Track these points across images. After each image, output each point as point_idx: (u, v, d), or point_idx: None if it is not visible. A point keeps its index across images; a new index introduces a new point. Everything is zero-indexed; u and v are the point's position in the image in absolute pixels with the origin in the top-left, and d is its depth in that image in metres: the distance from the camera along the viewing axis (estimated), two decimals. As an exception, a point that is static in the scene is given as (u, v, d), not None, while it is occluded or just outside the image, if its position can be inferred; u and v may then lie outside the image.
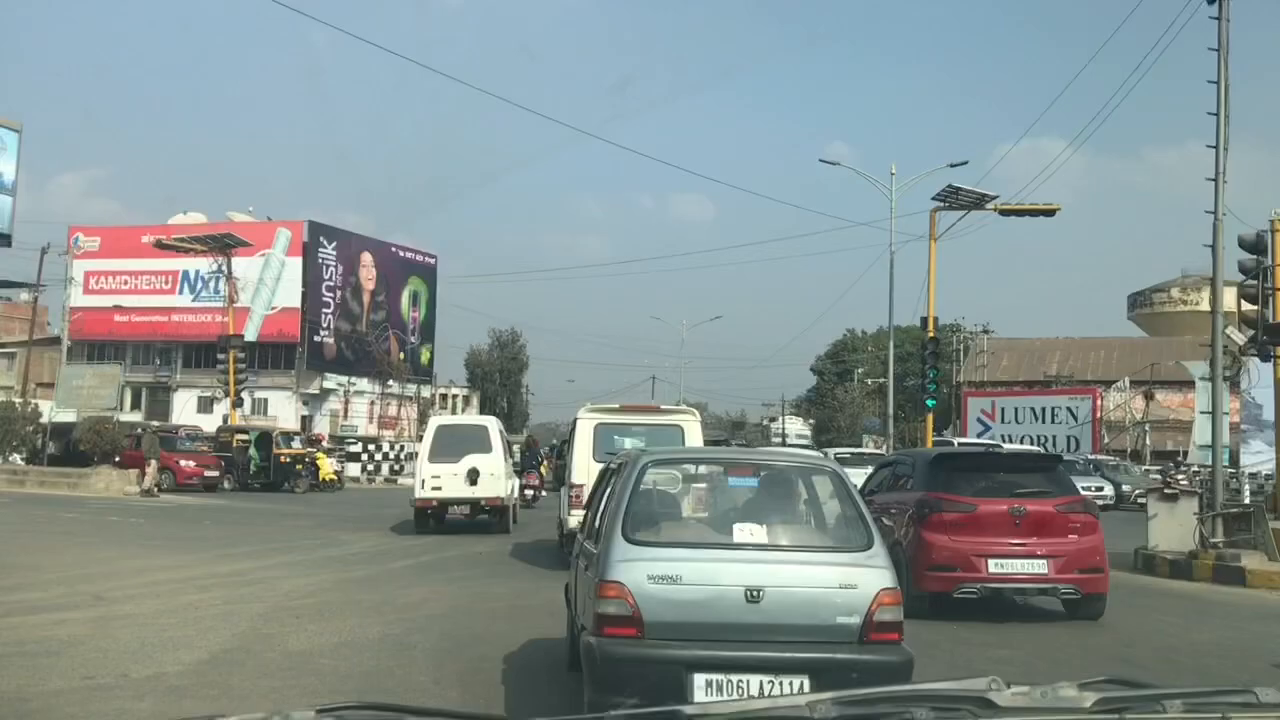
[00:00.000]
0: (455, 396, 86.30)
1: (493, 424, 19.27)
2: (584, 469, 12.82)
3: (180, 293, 62.42)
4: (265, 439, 29.23)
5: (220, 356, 34.28)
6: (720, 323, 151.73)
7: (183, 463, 26.97)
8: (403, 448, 39.77)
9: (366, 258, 65.13)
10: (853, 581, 5.13)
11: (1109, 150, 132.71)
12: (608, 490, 6.17)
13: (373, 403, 65.52)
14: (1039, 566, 10.05)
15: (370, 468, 37.54)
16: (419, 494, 18.20)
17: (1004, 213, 24.67)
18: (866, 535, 5.37)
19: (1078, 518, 10.40)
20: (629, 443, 12.18)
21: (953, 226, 25.63)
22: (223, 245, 34.45)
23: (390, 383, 65.14)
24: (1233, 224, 14.91)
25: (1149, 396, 47.96)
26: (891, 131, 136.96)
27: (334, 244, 62.33)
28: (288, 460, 28.32)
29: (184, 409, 60.73)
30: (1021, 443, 42.14)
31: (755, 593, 5.02)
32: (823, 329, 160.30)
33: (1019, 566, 10.09)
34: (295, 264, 61.00)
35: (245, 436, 29.39)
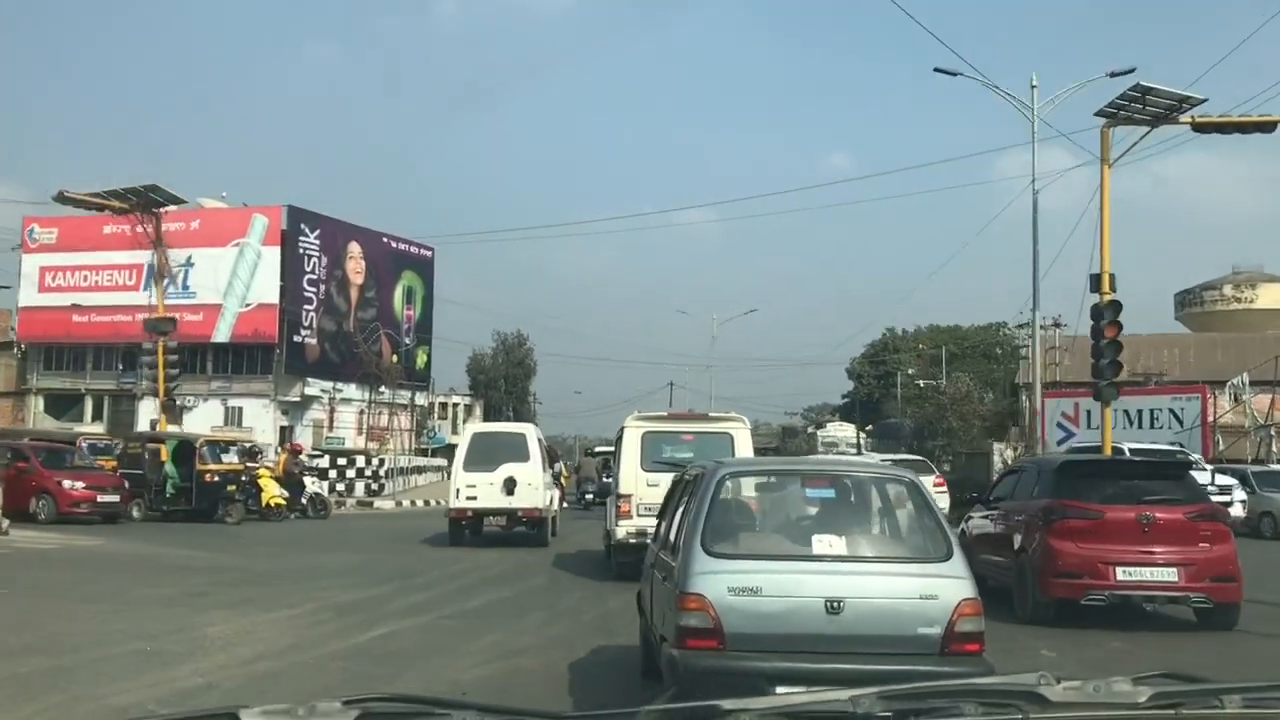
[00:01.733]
0: (456, 405, 79.42)
1: (531, 431, 18.73)
2: (632, 478, 12.85)
3: (145, 288, 55.16)
4: (185, 450, 21.57)
5: (147, 347, 27.16)
6: (748, 325, 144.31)
7: (67, 484, 19.80)
8: (382, 462, 32.58)
9: (354, 248, 58.15)
10: (933, 592, 5.14)
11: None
12: (683, 501, 6.22)
13: (362, 411, 58.41)
14: (1169, 574, 10.14)
15: (341, 488, 30.36)
16: (453, 504, 17.88)
17: (1201, 128, 17.47)
18: (946, 545, 5.40)
19: (1208, 526, 10.44)
20: (673, 451, 12.66)
21: (1136, 145, 18.39)
22: (146, 202, 27.27)
23: (382, 389, 58.07)
24: None
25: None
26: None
27: (317, 231, 55.38)
28: (214, 480, 21.19)
29: (150, 419, 53.67)
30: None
31: (835, 604, 5.06)
32: (858, 327, 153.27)
33: (1148, 574, 10.16)
34: (273, 255, 54.07)
35: (158, 446, 21.88)
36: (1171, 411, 43.05)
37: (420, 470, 42.79)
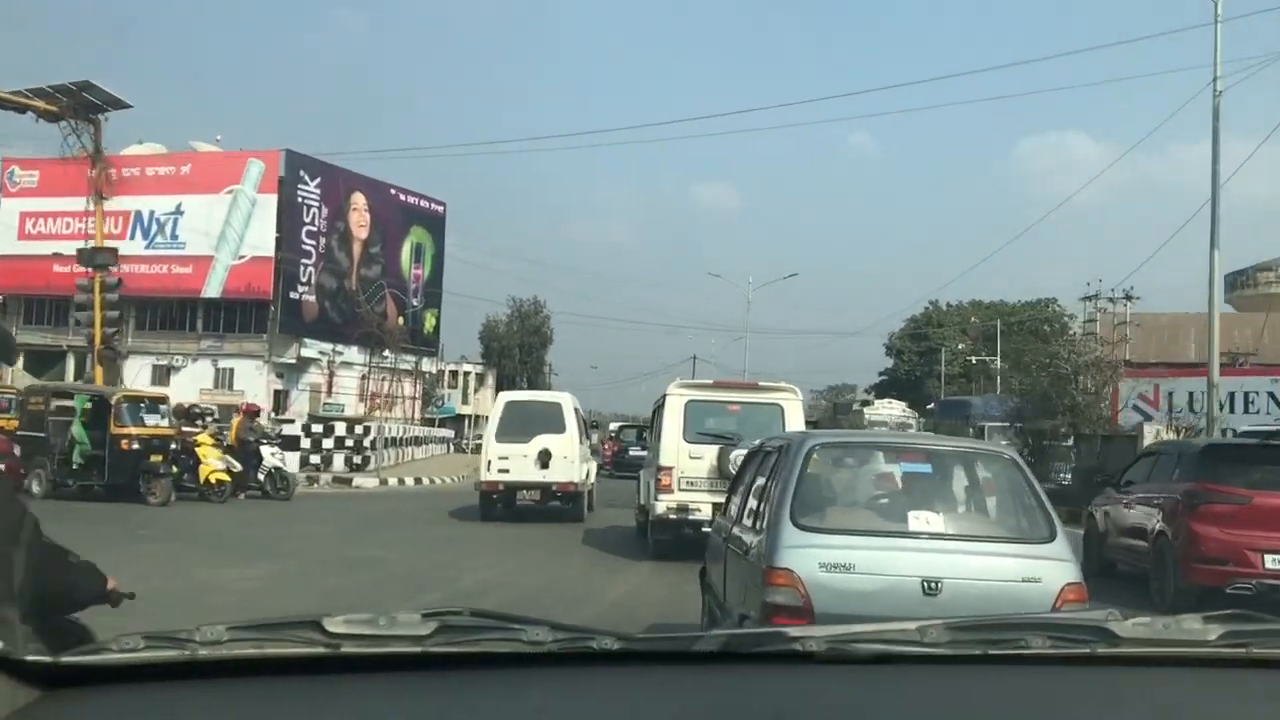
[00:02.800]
0: (467, 374, 75.11)
1: (567, 400, 17.95)
2: (674, 450, 12.10)
3: (132, 237, 50.94)
4: (99, 409, 16.85)
5: (83, 285, 22.61)
6: (784, 294, 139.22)
7: (-60, 451, 14.83)
8: (367, 430, 28.04)
9: (359, 199, 53.63)
10: (1036, 574, 4.95)
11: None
12: (764, 473, 5.99)
13: (364, 376, 54.09)
14: None
15: (315, 460, 25.79)
16: (485, 476, 17.10)
17: None
18: (1049, 525, 5.19)
19: None
20: (718, 423, 12.24)
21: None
22: (81, 104, 22.57)
23: (386, 353, 53.71)
24: None
25: None
26: None
27: (318, 180, 50.86)
28: (133, 447, 16.44)
29: (136, 380, 49.49)
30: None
31: (933, 584, 4.86)
32: (901, 301, 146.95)
33: None
34: (269, 203, 49.70)
35: (68, 404, 17.13)
36: (1271, 394, 37.87)
37: (420, 441, 38.24)
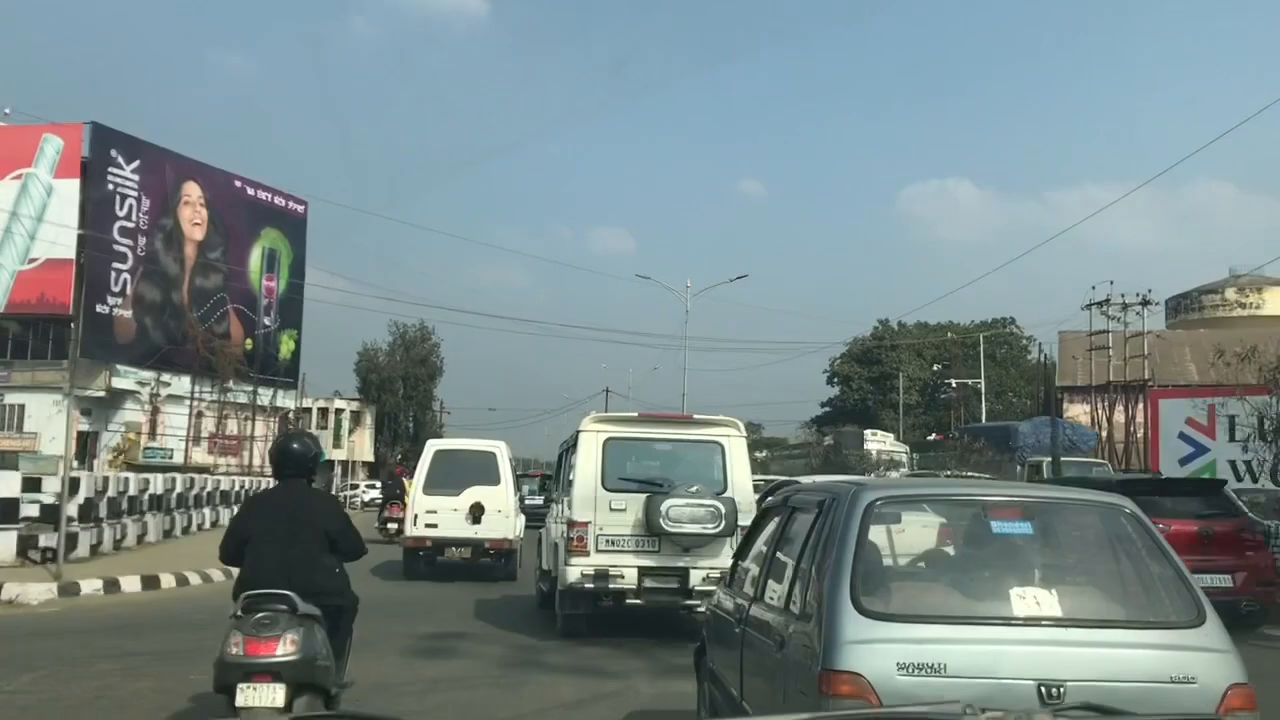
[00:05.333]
0: (340, 411, 64.15)
1: (502, 450, 16.72)
2: (589, 500, 9.94)
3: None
4: None
5: None
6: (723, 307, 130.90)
7: None
8: (102, 488, 17.12)
9: (192, 190, 42.97)
10: (1188, 673, 3.76)
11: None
12: (803, 537, 4.56)
13: (200, 414, 43.06)
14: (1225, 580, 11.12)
15: (90, 536, 14.56)
16: (410, 532, 15.91)
17: None
18: (1194, 603, 3.96)
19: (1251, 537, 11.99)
20: (645, 466, 10.43)
21: None
22: None
23: (230, 384, 42.88)
24: None
25: None
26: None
27: (136, 163, 40.16)
28: None
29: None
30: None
31: (1055, 690, 3.67)
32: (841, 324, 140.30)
33: (1208, 580, 10.11)
34: (70, 191, 38.77)
35: None
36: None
37: (239, 499, 27.26)
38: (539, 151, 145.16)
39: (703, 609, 9.55)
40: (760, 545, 5.40)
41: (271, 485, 6.06)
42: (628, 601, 9.73)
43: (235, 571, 5.49)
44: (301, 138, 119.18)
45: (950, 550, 4.63)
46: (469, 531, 15.55)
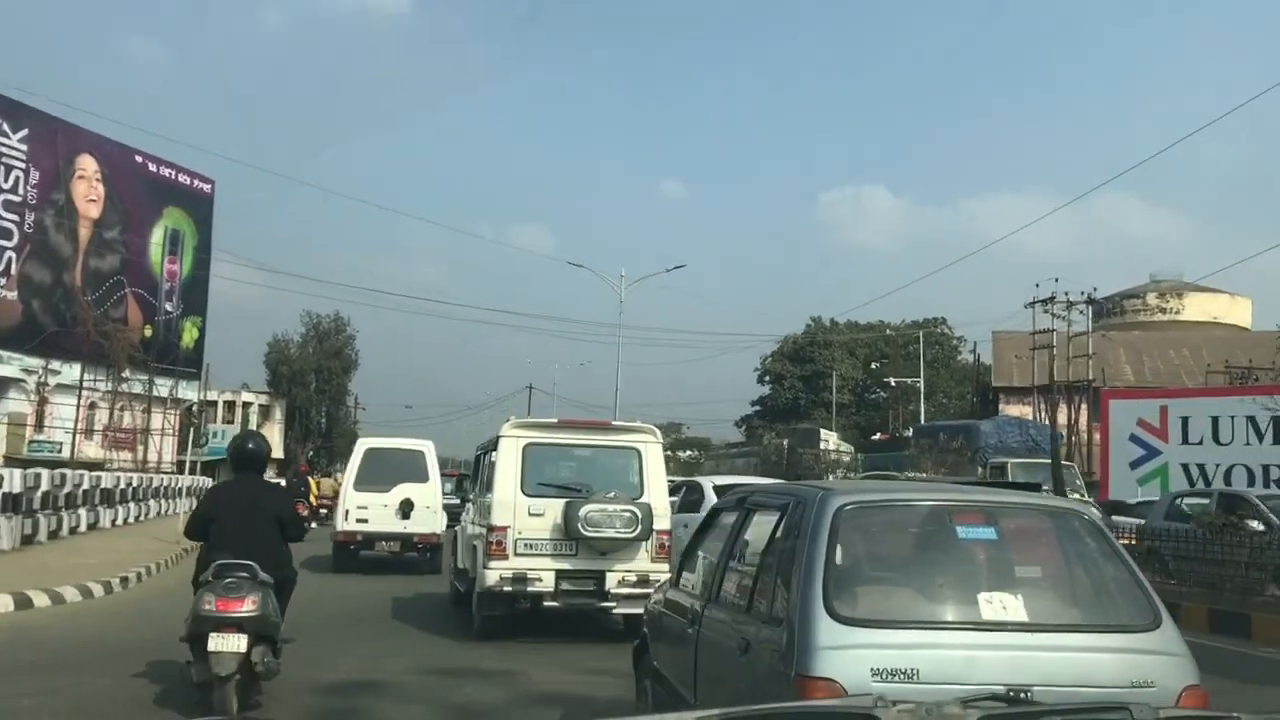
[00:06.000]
0: (248, 405, 60.95)
1: (430, 449, 17.80)
2: (508, 505, 10.05)
3: None
4: None
5: None
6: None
7: None
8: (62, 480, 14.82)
9: (87, 164, 39.85)
10: (1147, 677, 3.87)
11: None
12: (767, 540, 4.56)
13: (93, 405, 39.99)
14: None
15: None
16: (341, 526, 16.67)
17: None
18: (1151, 608, 4.10)
19: None
20: (563, 470, 10.56)
21: None
22: None
23: (127, 373, 39.78)
24: None
25: None
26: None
27: (24, 132, 37.00)
28: None
29: None
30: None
31: (1023, 695, 3.69)
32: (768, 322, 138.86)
33: None
34: (-55, 159, 35.45)
35: None
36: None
37: (138, 496, 24.67)
38: (457, 127, 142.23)
39: (619, 611, 9.80)
40: (712, 546, 5.36)
41: (223, 479, 7.88)
42: (545, 604, 9.88)
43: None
44: (205, 115, 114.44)
45: (916, 555, 4.51)
46: (398, 526, 16.40)
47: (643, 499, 10.08)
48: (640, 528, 9.75)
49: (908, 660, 3.73)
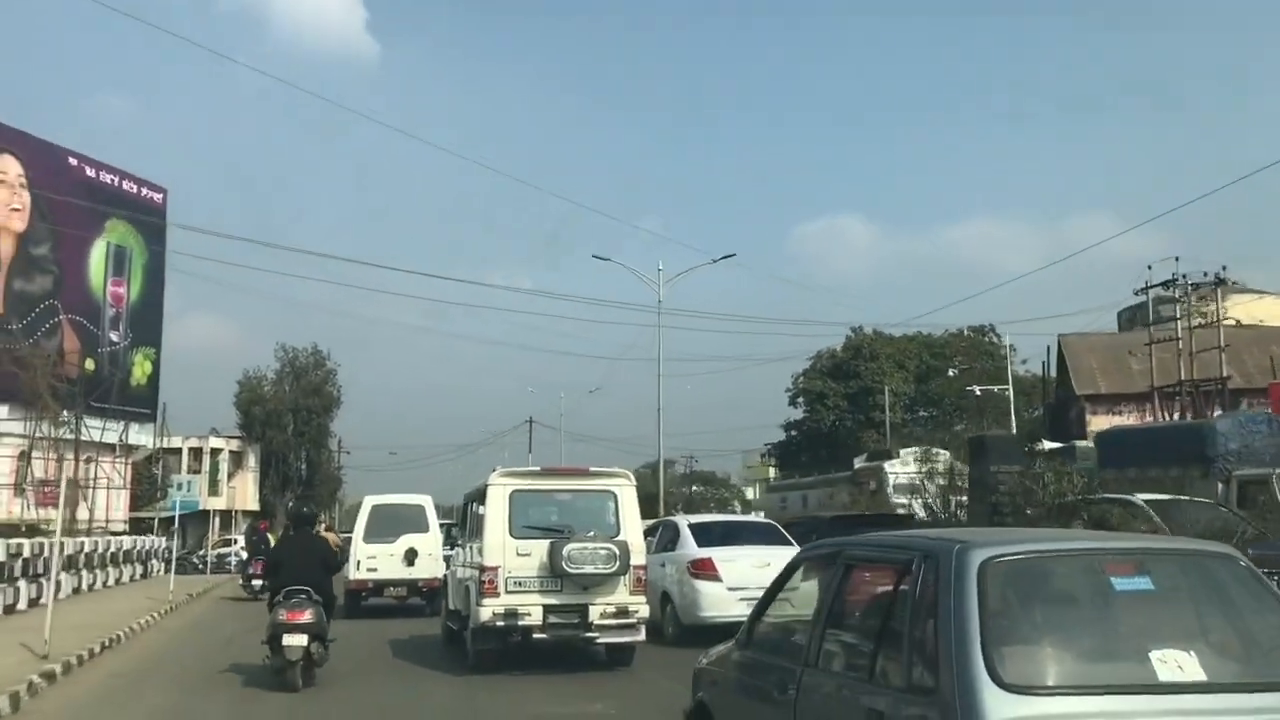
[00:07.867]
0: (218, 451, 54.39)
1: (429, 502, 20.01)
2: (498, 547, 11.26)
3: None
4: None
5: None
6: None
7: None
8: None
9: (9, 165, 33.60)
10: None
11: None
12: (888, 602, 4.24)
13: (22, 454, 33.48)
14: None
15: None
16: (354, 575, 18.39)
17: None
18: None
19: None
20: (546, 514, 11.77)
21: None
22: None
23: (65, 417, 33.25)
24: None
25: None
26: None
27: (-76, 126, 30.51)
28: None
29: None
30: None
31: None
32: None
33: None
34: None
35: None
36: None
37: (72, 565, 17.74)
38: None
39: (602, 640, 11.20)
40: (801, 603, 5.06)
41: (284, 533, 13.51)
42: (534, 636, 10.96)
43: None
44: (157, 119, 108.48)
45: (1073, 611, 4.02)
46: (404, 573, 18.54)
47: (620, 537, 11.18)
48: (619, 563, 10.84)
49: None
